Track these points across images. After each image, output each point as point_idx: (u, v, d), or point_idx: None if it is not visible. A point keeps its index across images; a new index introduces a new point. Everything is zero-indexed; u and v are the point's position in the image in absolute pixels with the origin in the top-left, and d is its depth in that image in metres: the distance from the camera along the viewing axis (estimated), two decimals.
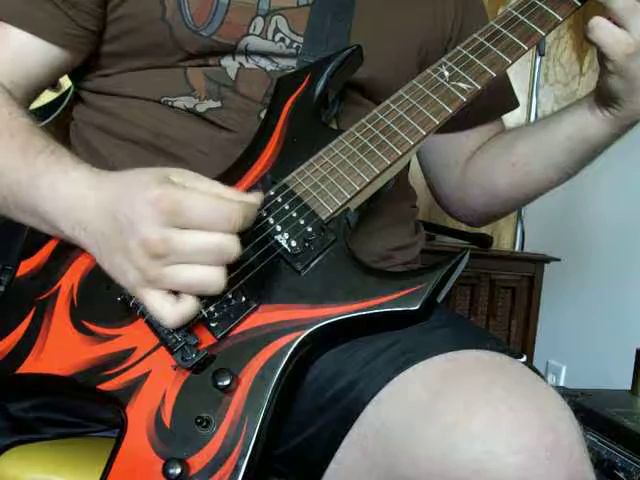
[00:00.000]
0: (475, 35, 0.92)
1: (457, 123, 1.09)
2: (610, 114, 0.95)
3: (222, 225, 0.70)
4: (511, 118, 1.21)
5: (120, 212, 0.73)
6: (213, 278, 0.71)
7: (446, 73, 0.89)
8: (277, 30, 0.93)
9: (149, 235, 0.69)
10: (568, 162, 1.03)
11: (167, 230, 0.69)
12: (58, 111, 1.82)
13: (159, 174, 0.73)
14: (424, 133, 0.86)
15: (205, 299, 0.75)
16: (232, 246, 0.71)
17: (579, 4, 0.92)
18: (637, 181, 2.22)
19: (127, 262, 0.72)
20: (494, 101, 1.13)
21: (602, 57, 0.89)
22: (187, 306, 0.71)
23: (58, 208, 0.79)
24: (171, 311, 0.71)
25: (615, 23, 0.87)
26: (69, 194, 0.78)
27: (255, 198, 0.75)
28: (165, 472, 0.70)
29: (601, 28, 0.87)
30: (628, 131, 0.98)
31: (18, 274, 0.84)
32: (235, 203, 0.71)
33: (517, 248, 2.72)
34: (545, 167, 1.05)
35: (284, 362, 0.75)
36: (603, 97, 0.94)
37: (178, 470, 0.69)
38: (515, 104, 1.21)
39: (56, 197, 0.79)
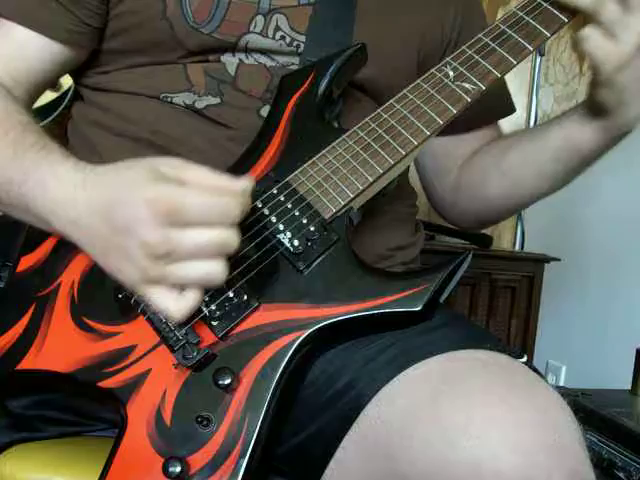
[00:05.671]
0: (480, 35, 0.92)
1: (453, 126, 1.09)
2: (600, 125, 0.94)
3: (220, 219, 0.69)
4: (511, 118, 1.21)
5: (115, 212, 0.72)
6: (215, 271, 0.70)
7: (451, 73, 0.89)
8: (277, 28, 0.93)
9: (149, 237, 0.68)
10: (557, 172, 1.02)
11: (166, 231, 0.68)
12: (58, 111, 1.82)
13: (149, 169, 0.71)
14: (428, 133, 0.86)
15: (208, 293, 0.75)
16: (231, 238, 0.70)
17: None
18: (637, 181, 2.22)
19: (126, 262, 0.71)
20: (491, 106, 1.12)
21: (592, 68, 0.89)
22: (191, 300, 0.71)
23: (48, 206, 0.78)
24: (175, 306, 0.70)
25: (605, 35, 0.86)
26: (57, 191, 0.77)
27: (247, 182, 0.73)
28: (165, 470, 0.69)
29: (591, 40, 0.87)
30: (617, 143, 0.97)
31: (18, 270, 0.84)
32: (230, 196, 0.70)
33: (517, 248, 2.73)
34: (534, 177, 1.04)
35: (285, 361, 0.75)
36: (593, 108, 0.94)
37: (178, 469, 0.69)
38: (511, 110, 1.20)
39: (45, 194, 0.78)
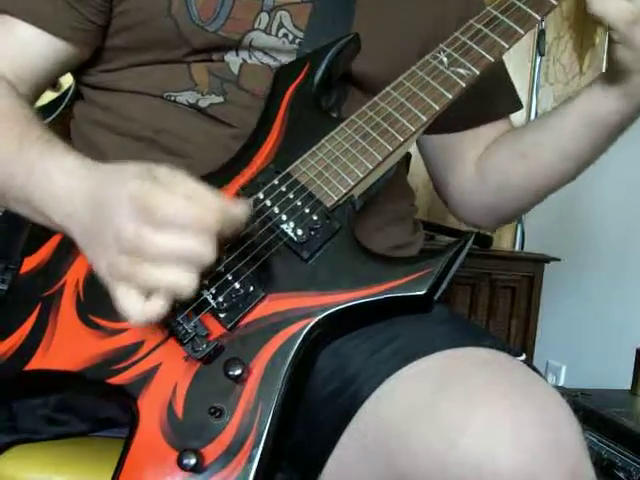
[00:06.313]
0: (472, 21, 0.92)
1: (463, 122, 1.10)
2: (623, 90, 0.93)
3: (195, 229, 0.67)
4: (512, 118, 1.21)
5: (100, 204, 0.72)
6: (182, 283, 0.68)
7: (445, 59, 0.90)
8: (281, 25, 0.93)
9: (122, 230, 0.68)
10: (580, 150, 1.01)
11: (140, 227, 0.67)
12: (58, 111, 1.82)
13: (144, 169, 0.71)
14: (425, 119, 0.87)
15: (214, 285, 0.75)
16: (204, 252, 0.67)
17: None
18: (637, 181, 2.23)
19: (102, 254, 0.71)
20: (498, 100, 1.13)
21: (608, 29, 0.88)
22: (154, 308, 0.69)
23: (48, 198, 0.78)
24: (138, 308, 0.69)
25: None
26: (59, 183, 0.78)
27: (239, 207, 0.71)
28: (180, 463, 0.69)
29: None
30: None
31: (22, 271, 0.83)
32: (212, 208, 0.68)
33: (517, 248, 2.72)
34: (554, 155, 1.03)
35: (294, 350, 0.75)
36: (613, 72, 0.93)
37: (193, 460, 0.69)
38: (519, 106, 1.20)
39: (47, 186, 0.78)
